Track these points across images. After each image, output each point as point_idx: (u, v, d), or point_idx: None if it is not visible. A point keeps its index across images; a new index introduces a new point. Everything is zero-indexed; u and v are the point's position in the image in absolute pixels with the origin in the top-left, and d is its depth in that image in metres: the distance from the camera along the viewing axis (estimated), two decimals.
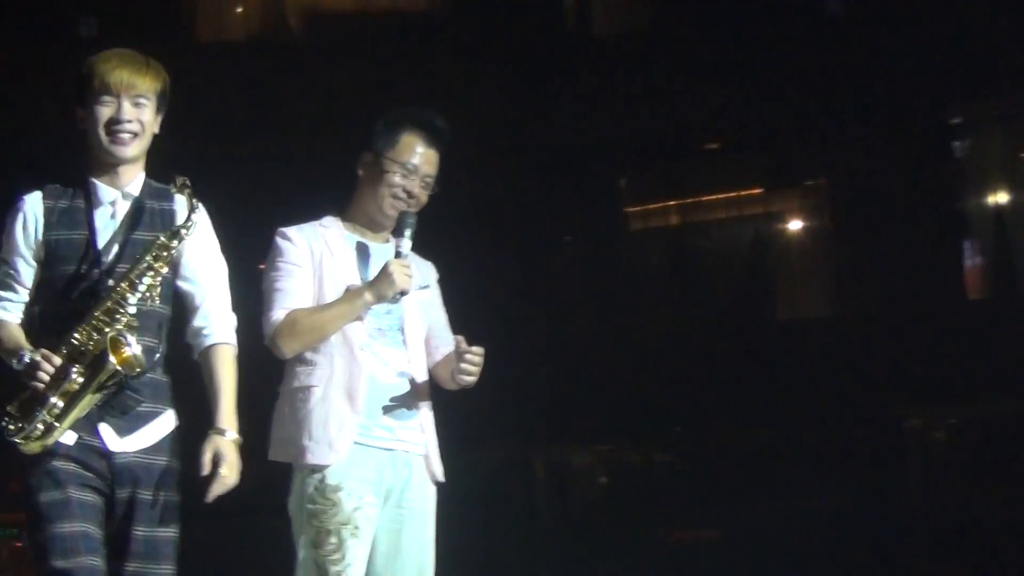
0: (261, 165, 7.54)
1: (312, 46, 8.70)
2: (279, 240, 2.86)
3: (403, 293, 2.76)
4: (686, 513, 7.26)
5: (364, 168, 2.89)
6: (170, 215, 2.53)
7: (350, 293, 2.80)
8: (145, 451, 2.43)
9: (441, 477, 2.96)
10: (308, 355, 2.79)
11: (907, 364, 7.26)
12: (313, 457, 2.72)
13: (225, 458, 2.44)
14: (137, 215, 2.50)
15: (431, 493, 2.94)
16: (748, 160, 8.64)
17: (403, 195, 2.84)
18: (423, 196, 2.88)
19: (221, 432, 2.45)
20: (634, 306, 8.40)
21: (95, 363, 2.33)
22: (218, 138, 7.44)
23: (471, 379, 2.83)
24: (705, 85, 7.67)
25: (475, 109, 7.62)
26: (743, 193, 8.67)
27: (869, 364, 7.38)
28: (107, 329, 2.33)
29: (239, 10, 8.91)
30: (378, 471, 2.78)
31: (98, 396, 2.38)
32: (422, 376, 2.94)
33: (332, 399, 2.77)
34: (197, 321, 2.53)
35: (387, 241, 2.90)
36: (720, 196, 8.67)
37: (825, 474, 7.01)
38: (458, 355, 2.81)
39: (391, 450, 2.82)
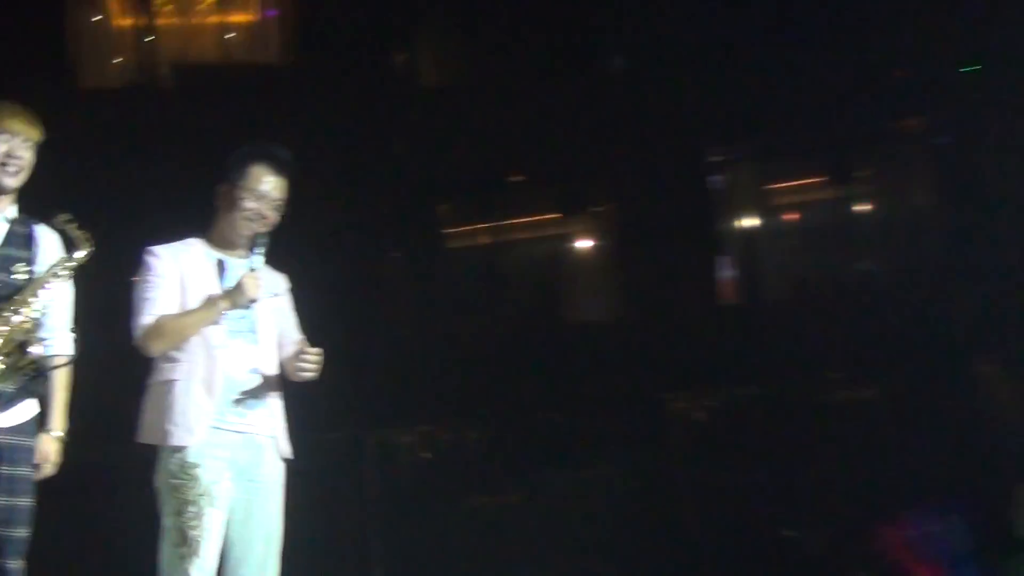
0: (137, 194, 8.28)
1: (181, 92, 9.40)
2: (147, 257, 3.12)
3: (254, 301, 3.07)
4: (491, 482, 8.23)
5: (221, 197, 3.16)
6: (31, 237, 2.98)
7: (209, 301, 3.06)
8: (9, 430, 2.86)
9: (289, 455, 3.27)
10: (172, 353, 3.05)
11: (672, 357, 8.51)
12: (175, 439, 2.97)
13: (43, 452, 2.90)
14: (10, 236, 2.93)
15: (280, 469, 3.23)
16: (545, 190, 9.88)
17: (255, 217, 3.12)
18: (274, 217, 3.17)
19: (48, 431, 2.93)
20: (450, 310, 9.36)
21: (14, 352, 2.84)
22: (102, 171, 8.02)
23: (310, 374, 3.12)
24: (510, 128, 8.90)
25: (323, 146, 8.69)
26: (541, 217, 9.89)
27: (641, 357, 8.58)
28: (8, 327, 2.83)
29: (116, 60, 9.60)
30: (232, 451, 3.05)
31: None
32: (272, 370, 3.22)
33: (192, 390, 3.02)
34: (43, 333, 2.97)
35: (243, 257, 3.17)
36: (522, 220, 9.86)
37: (605, 449, 8.11)
38: (299, 354, 3.14)
39: (243, 433, 3.09)
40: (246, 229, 3.12)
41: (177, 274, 3.11)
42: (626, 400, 8.44)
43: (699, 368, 8.66)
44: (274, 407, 3.25)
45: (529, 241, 10.23)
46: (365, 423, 8.36)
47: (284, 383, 3.28)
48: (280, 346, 3.30)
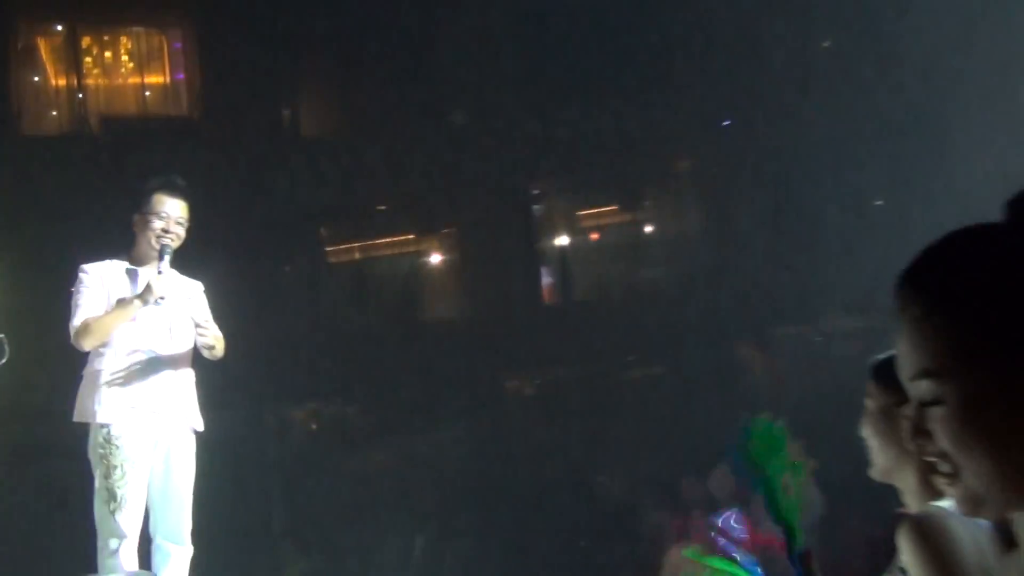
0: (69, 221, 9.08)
1: (106, 138, 10.63)
2: (80, 273, 3.56)
3: (162, 298, 3.45)
4: (366, 447, 9.87)
5: (136, 223, 3.64)
6: None
7: (123, 302, 3.48)
8: None
9: (200, 427, 3.73)
10: (100, 348, 3.48)
11: (505, 345, 10.34)
12: (100, 417, 3.41)
13: None
14: None
15: (191, 440, 3.66)
16: (403, 216, 11.71)
17: (162, 234, 3.57)
18: (179, 232, 3.64)
19: None
20: (332, 310, 11.05)
21: None
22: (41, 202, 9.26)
23: (207, 341, 3.64)
24: (374, 167, 10.75)
25: (225, 182, 10.30)
26: (401, 237, 11.72)
27: (482, 345, 10.37)
28: None
29: (53, 113, 10.90)
30: (149, 426, 3.50)
31: None
32: (184, 359, 3.68)
33: (114, 377, 3.45)
34: None
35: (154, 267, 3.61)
36: (386, 239, 11.72)
37: (456, 417, 9.83)
38: (198, 328, 3.65)
39: (158, 412, 3.55)
40: (156, 244, 3.59)
41: (102, 285, 3.56)
42: (470, 379, 10.17)
43: (527, 354, 10.51)
44: (186, 389, 3.71)
45: (391, 255, 12.07)
46: (263, 400, 9.81)
47: (195, 369, 3.78)
48: (195, 338, 3.77)
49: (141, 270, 3.61)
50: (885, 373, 1.79)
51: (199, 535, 4.22)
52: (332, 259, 11.87)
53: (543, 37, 10.97)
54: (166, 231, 3.59)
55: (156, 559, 3.57)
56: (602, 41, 10.82)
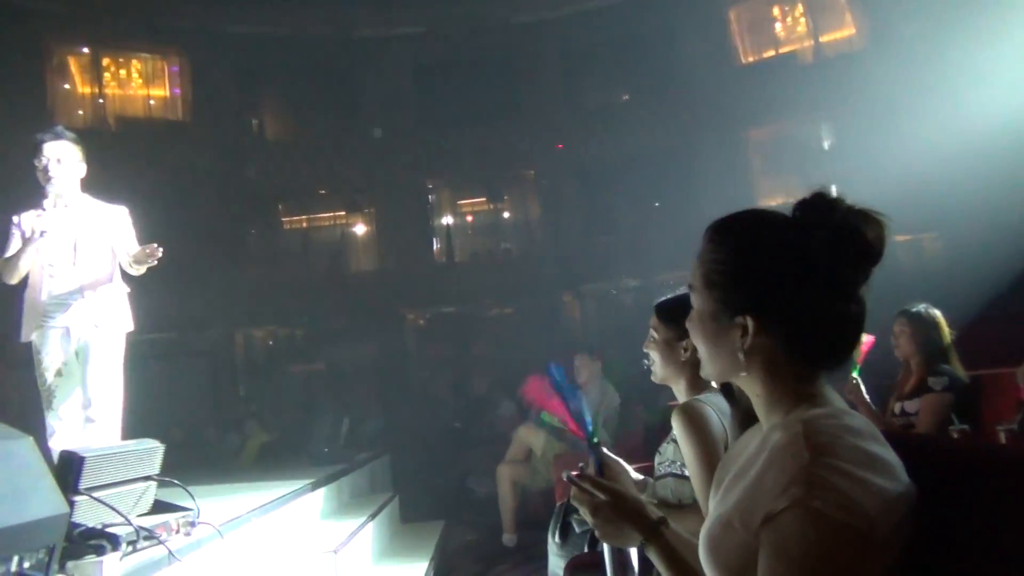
0: None
1: (120, 134, 12.84)
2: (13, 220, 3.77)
3: (43, 232, 3.57)
4: (304, 353, 12.41)
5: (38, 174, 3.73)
6: None
7: (25, 239, 3.62)
8: None
9: (113, 328, 3.83)
10: (24, 280, 3.71)
11: (406, 289, 13.22)
12: (26, 335, 3.72)
13: None
14: None
15: (105, 344, 3.77)
16: (335, 199, 14.55)
17: (42, 173, 3.69)
18: (60, 170, 3.70)
19: None
20: (290, 263, 13.72)
21: None
22: None
23: (151, 262, 3.79)
24: (317, 162, 13.64)
25: (207, 169, 12.86)
26: (334, 214, 14.66)
27: (391, 290, 13.11)
28: None
29: (80, 112, 13.05)
30: (62, 335, 3.73)
31: None
32: (93, 273, 3.77)
33: (33, 300, 3.71)
34: None
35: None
36: (323, 215, 14.69)
37: (371, 337, 12.65)
38: (144, 250, 3.76)
39: (70, 322, 3.73)
40: (44, 183, 3.66)
41: (19, 228, 3.72)
42: (380, 313, 13.21)
43: (420, 296, 13.48)
44: (97, 298, 3.78)
45: (328, 226, 14.98)
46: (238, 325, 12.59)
47: (107, 285, 3.81)
48: (117, 253, 3.87)
49: (51, 208, 3.67)
50: (666, 312, 2.28)
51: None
52: (287, 227, 14.82)
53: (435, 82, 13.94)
54: (47, 170, 3.65)
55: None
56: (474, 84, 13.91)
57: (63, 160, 3.74)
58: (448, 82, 14.07)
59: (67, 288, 3.74)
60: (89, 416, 3.71)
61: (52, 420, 3.74)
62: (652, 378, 2.38)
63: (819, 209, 1.13)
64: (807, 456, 1.00)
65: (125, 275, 4.02)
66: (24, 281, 3.75)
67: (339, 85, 14.09)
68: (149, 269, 3.91)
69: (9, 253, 3.71)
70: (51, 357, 3.70)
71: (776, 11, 14.41)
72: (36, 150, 3.74)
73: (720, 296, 1.17)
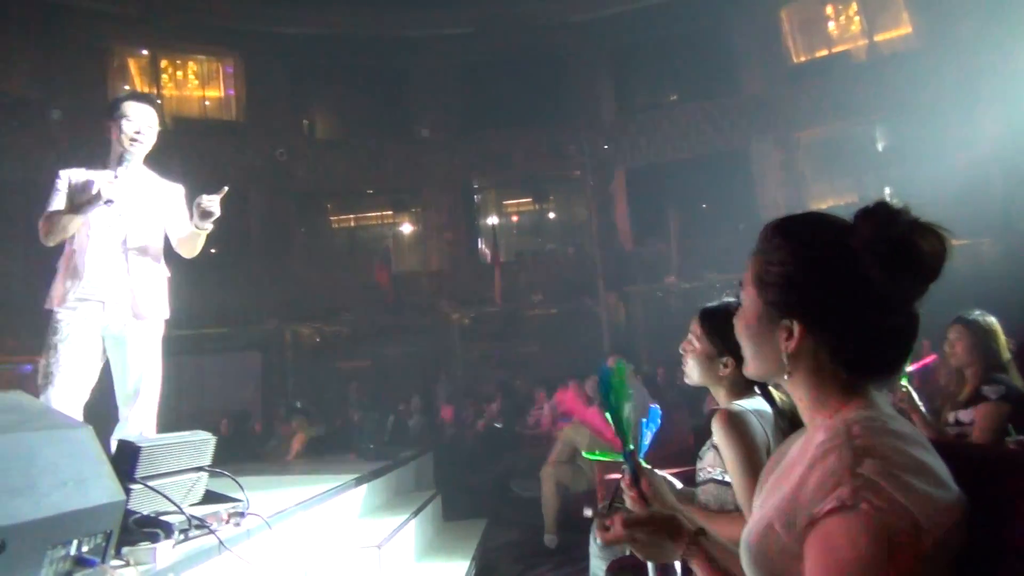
0: None
1: (178, 133, 12.73)
2: (55, 178, 3.39)
3: (109, 201, 3.19)
4: (354, 353, 12.62)
5: (109, 130, 3.44)
6: None
7: (80, 202, 3.27)
8: None
9: (155, 318, 3.49)
10: (63, 244, 3.35)
11: (448, 288, 13.36)
12: (51, 303, 3.33)
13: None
14: None
15: (149, 328, 3.47)
16: (384, 198, 14.72)
17: (135, 136, 3.38)
18: (151, 136, 3.45)
19: None
20: (335, 261, 13.85)
21: None
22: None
23: (213, 213, 3.33)
24: (367, 162, 13.74)
25: (259, 167, 13.22)
26: (381, 213, 14.80)
27: (433, 289, 13.37)
28: None
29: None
30: (96, 315, 3.33)
31: None
32: (142, 253, 3.45)
33: (69, 269, 3.34)
34: None
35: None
36: (371, 214, 14.81)
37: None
38: (198, 206, 3.32)
39: (107, 302, 3.35)
40: (130, 145, 3.37)
41: (67, 187, 3.36)
42: (425, 312, 13.31)
43: (467, 294, 13.66)
44: (142, 282, 3.45)
45: (376, 225, 15.16)
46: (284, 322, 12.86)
47: (154, 267, 3.48)
48: (169, 233, 3.57)
49: (101, 173, 3.37)
50: (709, 322, 2.22)
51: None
52: (336, 226, 15.01)
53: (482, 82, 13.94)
54: (139, 132, 3.41)
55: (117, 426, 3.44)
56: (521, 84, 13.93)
57: (152, 127, 3.52)
58: (495, 82, 14.18)
59: (113, 262, 3.43)
60: (131, 410, 3.43)
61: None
62: (686, 381, 2.36)
63: (880, 219, 1.10)
64: (850, 458, 0.98)
65: (167, 260, 3.69)
66: (59, 245, 3.42)
67: (388, 85, 14.29)
68: (205, 252, 3.61)
69: (51, 206, 3.38)
70: (75, 333, 3.32)
71: (829, 10, 14.14)
72: (119, 108, 3.47)
73: (770, 297, 1.16)
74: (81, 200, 3.31)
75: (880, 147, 13.49)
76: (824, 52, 14.04)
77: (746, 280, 1.21)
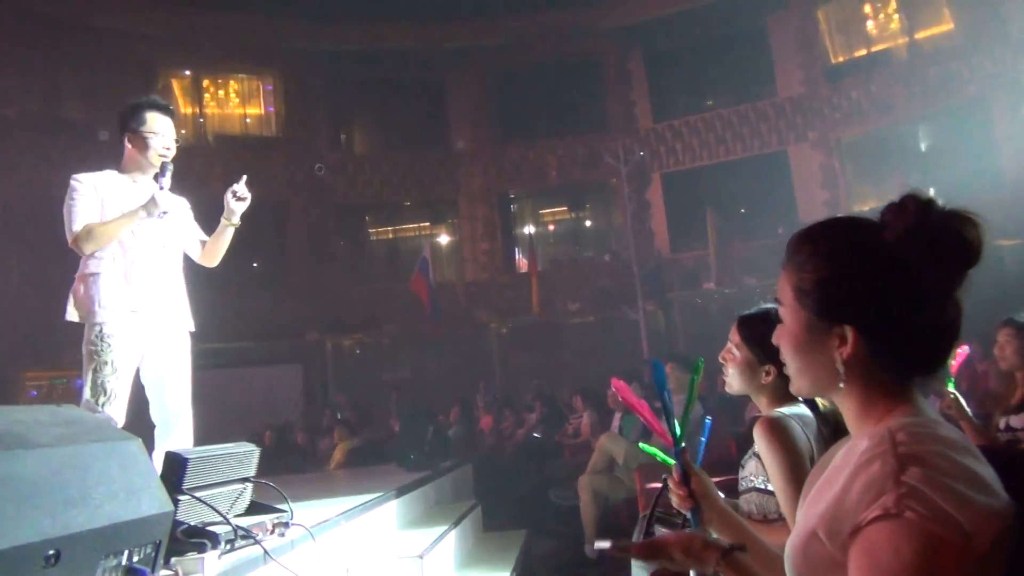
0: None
1: (219, 149, 13.57)
2: (73, 182, 3.26)
3: (165, 212, 3.22)
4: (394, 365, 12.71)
5: (130, 139, 3.33)
6: None
7: (130, 211, 3.21)
8: None
9: (192, 328, 3.48)
10: (98, 252, 3.22)
11: (486, 299, 13.45)
12: (99, 317, 3.17)
13: None
14: None
15: (185, 339, 3.44)
16: (420, 210, 14.86)
17: (164, 152, 3.32)
18: (174, 149, 3.36)
19: None
20: (371, 269, 14.05)
21: None
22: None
23: (246, 201, 3.39)
24: (403, 175, 13.93)
25: (298, 180, 13.49)
26: (417, 224, 14.91)
27: (470, 300, 13.39)
28: None
29: (182, 131, 13.44)
30: (142, 327, 3.25)
31: None
32: (176, 264, 3.45)
33: (114, 281, 3.23)
34: None
35: (151, 181, 3.33)
36: (408, 225, 14.91)
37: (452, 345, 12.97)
38: (232, 193, 3.38)
39: (153, 314, 3.30)
40: (157, 161, 3.30)
41: (96, 193, 3.25)
42: (463, 321, 13.39)
43: (505, 303, 13.66)
44: (178, 294, 3.45)
45: (412, 237, 15.28)
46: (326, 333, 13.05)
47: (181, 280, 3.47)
48: (187, 246, 3.55)
49: (138, 180, 3.35)
50: (748, 330, 2.19)
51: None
52: (374, 238, 15.21)
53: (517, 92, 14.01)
54: (168, 148, 3.36)
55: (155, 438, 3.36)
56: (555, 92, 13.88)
57: (175, 139, 3.47)
58: (530, 92, 14.28)
59: (156, 272, 3.38)
60: (172, 425, 3.36)
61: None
62: (727, 389, 2.32)
63: (913, 209, 1.08)
64: (894, 464, 0.96)
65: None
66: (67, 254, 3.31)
67: (423, 98, 14.51)
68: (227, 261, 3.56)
69: (87, 216, 3.23)
70: (123, 349, 3.22)
71: (868, 8, 13.92)
72: (142, 119, 3.37)
73: (813, 306, 1.13)
74: (134, 210, 3.25)
75: (924, 146, 13.24)
76: (863, 51, 13.85)
77: (782, 296, 1.18)
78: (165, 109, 3.45)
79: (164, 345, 3.38)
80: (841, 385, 1.12)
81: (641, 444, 2.45)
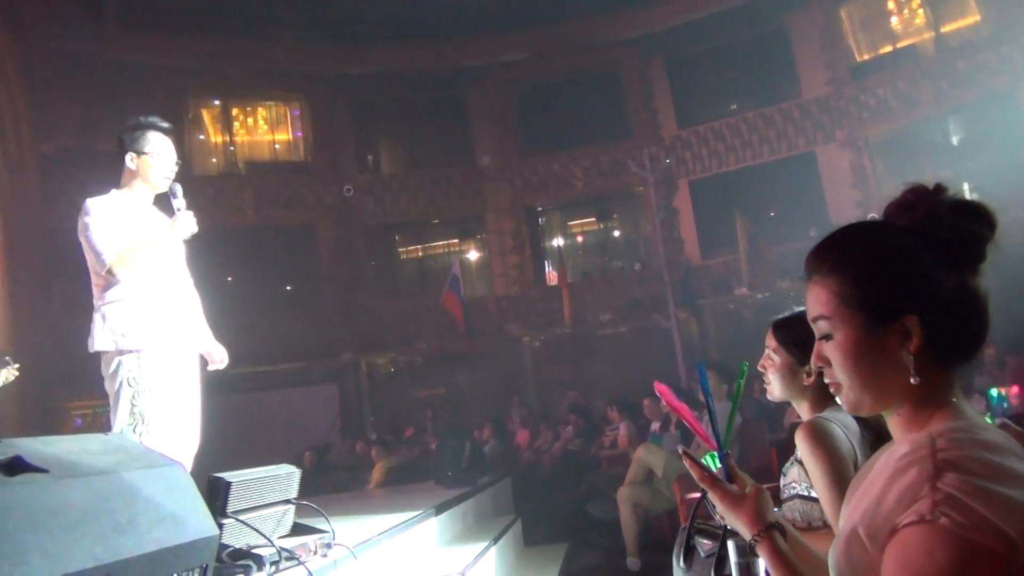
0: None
1: (249, 175, 13.88)
2: (91, 209, 3.15)
3: (193, 234, 3.25)
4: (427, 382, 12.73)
5: (134, 160, 3.24)
6: None
7: (162, 234, 3.18)
8: None
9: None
10: (125, 278, 3.10)
11: (518, 312, 13.50)
12: (135, 343, 3.07)
13: None
14: None
15: (197, 359, 3.38)
16: (449, 228, 14.98)
17: (171, 174, 3.29)
18: (174, 172, 3.31)
19: None
20: (398, 287, 14.20)
21: None
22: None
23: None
24: (430, 193, 14.09)
25: (328, 200, 13.70)
26: (448, 241, 15.02)
27: (501, 315, 13.43)
28: None
29: (213, 160, 14.14)
30: (176, 350, 3.21)
31: None
32: (190, 287, 3.45)
33: (147, 307, 3.14)
34: None
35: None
36: (438, 243, 15.03)
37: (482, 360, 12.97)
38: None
39: (184, 337, 3.28)
40: (166, 184, 3.29)
41: (116, 218, 3.16)
42: (495, 336, 13.47)
43: (536, 317, 13.71)
44: (196, 315, 3.45)
45: (442, 253, 15.43)
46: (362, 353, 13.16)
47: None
48: None
49: (143, 201, 3.31)
50: (784, 333, 2.18)
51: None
52: (404, 257, 15.36)
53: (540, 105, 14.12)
54: (172, 171, 3.34)
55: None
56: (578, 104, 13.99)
57: (176, 162, 3.44)
58: (553, 104, 14.36)
59: (179, 302, 3.36)
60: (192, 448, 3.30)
61: None
62: (768, 397, 2.29)
63: (922, 192, 1.11)
64: (931, 470, 0.95)
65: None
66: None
67: (447, 116, 14.67)
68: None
69: (118, 242, 3.14)
70: (159, 374, 3.16)
71: (891, 4, 13.78)
72: (148, 141, 3.33)
73: (871, 302, 1.09)
74: (166, 233, 3.25)
75: (955, 141, 13.04)
76: (888, 48, 13.72)
77: (821, 310, 1.14)
78: (168, 130, 3.41)
79: (191, 370, 3.37)
80: (913, 381, 1.07)
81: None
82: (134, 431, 3.07)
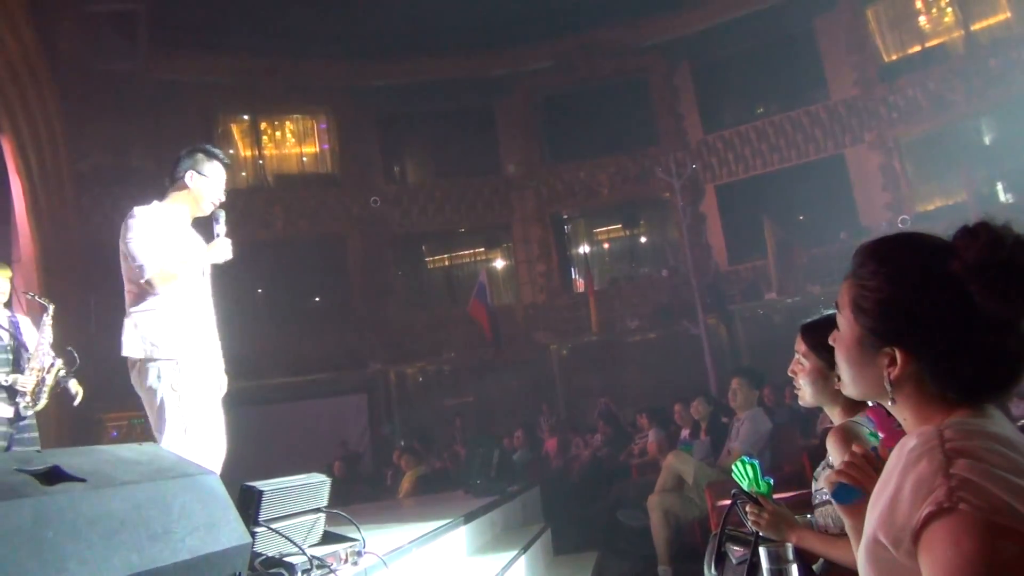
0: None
1: (277, 187, 14.13)
2: (137, 216, 3.28)
3: (229, 259, 3.40)
4: (455, 391, 12.77)
5: (191, 179, 3.39)
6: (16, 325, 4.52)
7: (201, 255, 3.36)
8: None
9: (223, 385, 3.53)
10: (164, 288, 3.21)
11: (546, 321, 13.46)
12: (175, 352, 3.16)
13: None
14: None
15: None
16: (474, 237, 14.97)
17: (219, 201, 3.48)
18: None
19: None
20: (426, 296, 14.26)
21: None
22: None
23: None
24: (455, 202, 14.14)
25: (355, 211, 13.84)
26: (474, 250, 15.06)
27: (530, 323, 13.45)
28: None
29: (243, 173, 14.20)
30: (209, 359, 3.34)
31: None
32: (211, 297, 3.53)
33: (182, 317, 3.26)
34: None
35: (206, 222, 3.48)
36: (465, 251, 15.08)
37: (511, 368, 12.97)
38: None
39: (215, 348, 3.42)
40: (210, 209, 3.45)
41: (158, 230, 3.27)
42: (523, 344, 13.48)
43: (564, 324, 13.68)
44: (217, 330, 3.55)
45: (469, 262, 15.48)
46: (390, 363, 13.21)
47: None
48: None
49: (186, 219, 3.46)
50: (814, 338, 2.15)
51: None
52: (431, 266, 15.46)
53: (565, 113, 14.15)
54: (222, 200, 3.51)
55: None
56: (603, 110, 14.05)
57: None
58: (578, 111, 14.37)
59: (209, 315, 3.49)
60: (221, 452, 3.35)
61: None
62: (800, 402, 2.27)
63: (983, 242, 1.04)
64: (941, 459, 0.95)
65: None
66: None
67: (473, 125, 14.77)
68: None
69: (160, 254, 3.24)
70: (198, 381, 3.26)
71: (919, 3, 13.61)
72: (208, 166, 3.49)
73: (868, 324, 1.13)
74: (204, 254, 3.41)
75: (988, 140, 12.82)
76: (917, 48, 13.56)
77: (842, 304, 1.19)
78: (227, 165, 3.61)
79: (215, 377, 3.44)
80: (890, 402, 1.14)
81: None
82: (184, 433, 3.15)
